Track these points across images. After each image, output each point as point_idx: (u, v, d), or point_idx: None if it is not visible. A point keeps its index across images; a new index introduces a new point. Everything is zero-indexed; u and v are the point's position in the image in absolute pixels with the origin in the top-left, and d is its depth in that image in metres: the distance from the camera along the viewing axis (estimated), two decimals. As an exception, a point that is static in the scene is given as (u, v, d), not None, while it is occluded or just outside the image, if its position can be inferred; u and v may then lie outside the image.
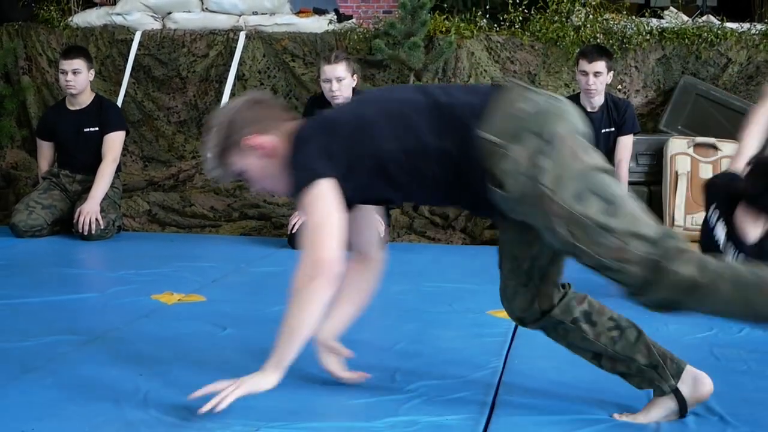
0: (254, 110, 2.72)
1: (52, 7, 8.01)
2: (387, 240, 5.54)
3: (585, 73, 5.55)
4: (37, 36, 7.77)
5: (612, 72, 5.68)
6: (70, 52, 5.96)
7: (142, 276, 4.56)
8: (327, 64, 5.49)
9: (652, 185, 6.43)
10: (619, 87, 7.16)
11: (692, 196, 6.16)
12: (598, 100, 5.63)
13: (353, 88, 5.58)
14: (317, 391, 2.86)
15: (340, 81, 5.48)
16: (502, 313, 3.84)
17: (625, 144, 5.70)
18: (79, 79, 5.91)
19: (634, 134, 5.87)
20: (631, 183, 6.40)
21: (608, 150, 5.64)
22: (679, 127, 6.84)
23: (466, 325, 3.71)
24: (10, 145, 7.55)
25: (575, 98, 5.62)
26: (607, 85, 5.71)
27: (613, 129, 5.69)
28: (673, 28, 7.21)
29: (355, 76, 5.57)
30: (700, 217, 6.03)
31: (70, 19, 7.91)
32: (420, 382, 2.94)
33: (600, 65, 5.54)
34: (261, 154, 2.65)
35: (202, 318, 3.76)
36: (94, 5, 8.21)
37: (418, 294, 4.31)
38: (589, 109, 5.60)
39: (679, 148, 6.32)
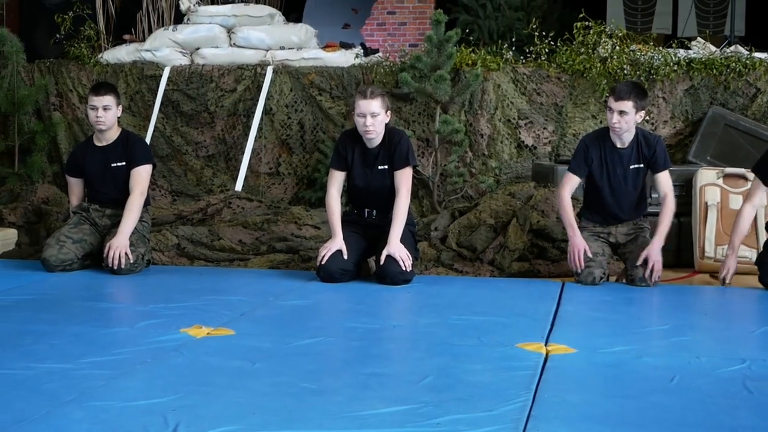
0: None
1: (82, 44, 8.11)
2: (415, 272, 5.54)
3: (611, 111, 5.45)
4: (68, 72, 7.86)
5: (643, 111, 5.51)
6: (100, 89, 6.01)
7: (172, 310, 4.57)
8: (362, 99, 5.50)
9: (681, 216, 6.38)
10: (647, 118, 7.14)
11: (722, 228, 6.12)
12: (627, 137, 5.51)
13: (386, 124, 5.60)
14: (347, 427, 2.85)
15: (375, 116, 5.49)
16: (532, 346, 3.83)
17: (665, 180, 5.57)
18: (108, 115, 5.96)
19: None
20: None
21: (636, 185, 5.59)
22: (708, 157, 6.81)
23: (495, 359, 3.69)
24: (41, 180, 7.63)
25: (605, 132, 5.58)
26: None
27: (642, 165, 5.58)
28: (701, 58, 7.20)
29: (388, 112, 5.59)
30: (730, 248, 5.99)
31: (100, 55, 8.00)
32: (448, 416, 2.93)
33: (627, 105, 5.39)
34: None
35: (231, 352, 3.76)
36: (123, 42, 8.30)
37: (447, 327, 4.29)
38: (618, 145, 5.54)
39: (708, 179, 6.28)
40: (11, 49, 7.56)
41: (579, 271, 5.41)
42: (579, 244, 5.43)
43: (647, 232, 5.64)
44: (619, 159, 5.52)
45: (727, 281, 5.44)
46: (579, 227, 5.53)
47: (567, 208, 5.53)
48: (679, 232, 6.37)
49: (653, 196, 5.90)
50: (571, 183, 5.60)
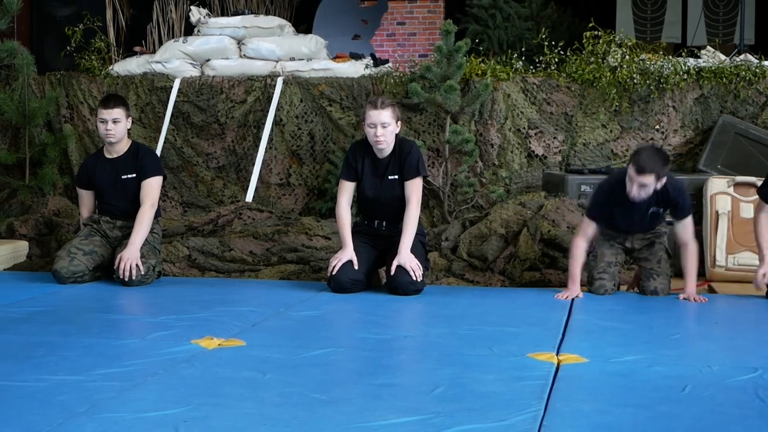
0: None
1: (93, 57, 8.15)
2: (426, 283, 5.54)
3: (631, 180, 5.14)
4: (78, 85, 7.89)
5: (664, 178, 5.17)
6: (109, 101, 6.02)
7: (183, 321, 4.58)
8: (373, 109, 5.50)
9: (692, 225, 6.37)
10: (657, 127, 7.14)
11: (733, 236, 6.11)
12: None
13: (396, 135, 5.61)
14: (358, 436, 2.85)
15: (385, 127, 5.50)
16: (543, 356, 3.83)
17: (686, 227, 5.40)
18: (118, 128, 5.98)
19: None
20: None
21: (653, 224, 5.51)
22: (719, 166, 6.81)
23: (507, 368, 3.68)
24: (52, 192, 7.65)
25: (623, 183, 5.25)
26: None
27: (661, 209, 5.41)
28: (711, 67, 7.19)
29: (399, 123, 5.59)
30: (741, 257, 5.99)
31: (110, 67, 8.04)
32: (460, 426, 2.92)
33: (649, 179, 5.10)
34: None
35: (243, 363, 3.77)
36: (134, 54, 8.33)
37: (458, 337, 4.29)
38: (637, 200, 5.27)
39: (719, 188, 6.27)
40: (22, 62, 7.59)
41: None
42: (574, 292, 5.38)
43: (664, 237, 5.58)
44: (637, 206, 5.34)
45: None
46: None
47: (577, 258, 5.39)
48: (690, 241, 6.35)
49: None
50: (588, 230, 5.42)
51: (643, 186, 5.12)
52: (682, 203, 5.34)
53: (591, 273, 5.51)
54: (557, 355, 3.89)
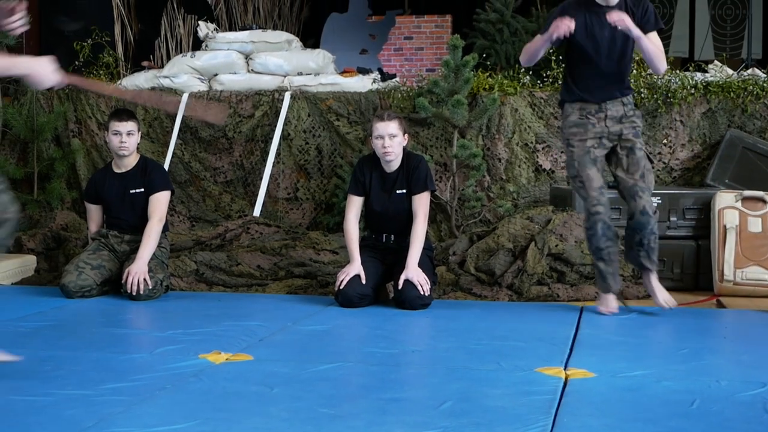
0: None
1: (101, 71, 8.18)
2: (433, 297, 5.53)
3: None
4: (86, 99, 7.91)
5: None
6: (122, 114, 6.05)
7: (190, 335, 4.58)
8: (380, 122, 5.54)
9: (700, 240, 6.37)
10: (665, 141, 7.14)
11: (741, 251, 6.10)
12: None
13: (404, 149, 5.62)
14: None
15: (393, 138, 5.52)
16: (551, 371, 3.82)
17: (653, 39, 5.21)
18: (131, 141, 6.01)
19: None
20: (678, 237, 6.38)
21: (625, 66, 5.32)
22: (727, 180, 6.80)
23: (515, 383, 3.68)
24: (60, 207, 7.67)
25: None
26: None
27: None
28: (718, 81, 7.19)
29: (406, 135, 5.61)
30: (749, 271, 5.98)
31: (119, 82, 8.06)
32: (469, 441, 2.92)
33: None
34: None
35: (250, 377, 3.76)
36: (142, 69, 8.36)
37: (466, 351, 4.29)
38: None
39: (726, 202, 6.26)
40: (31, 77, 7.61)
41: None
42: None
43: (641, 140, 5.31)
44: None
45: None
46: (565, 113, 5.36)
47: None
48: (697, 255, 6.35)
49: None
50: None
51: None
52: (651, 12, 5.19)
53: (585, 207, 5.26)
54: (565, 369, 3.88)
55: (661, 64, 5.15)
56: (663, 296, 5.29)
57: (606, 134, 5.23)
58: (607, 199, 5.22)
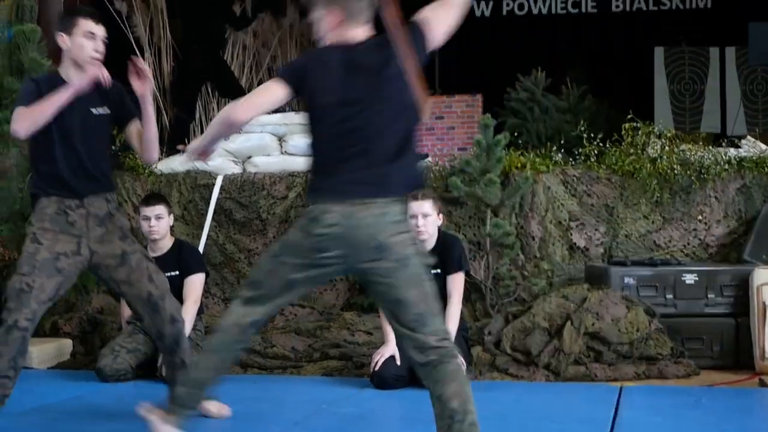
0: None
1: (137, 155, 8.26)
2: (469, 378, 5.48)
3: None
4: (122, 183, 7.98)
5: None
6: (150, 199, 6.13)
7: (225, 418, 4.56)
8: (414, 201, 5.57)
9: (739, 317, 6.29)
10: (700, 218, 7.11)
11: (781, 327, 6.02)
12: None
13: (438, 228, 5.64)
14: None
15: (426, 217, 5.54)
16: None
17: None
18: (161, 224, 6.05)
19: None
20: (717, 315, 6.30)
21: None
22: (764, 256, 6.74)
23: (555, 467, 3.63)
24: (96, 290, 7.69)
25: None
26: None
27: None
28: (752, 156, 7.17)
29: (440, 215, 5.63)
30: (791, 349, 5.89)
31: (154, 165, 8.13)
32: None
33: None
34: None
35: (287, 462, 3.74)
36: (177, 152, 8.45)
37: (504, 434, 4.24)
38: None
39: (765, 279, 6.19)
40: (68, 162, 7.71)
41: None
42: None
43: None
44: None
45: None
46: None
47: None
48: (737, 333, 6.26)
49: None
50: None
51: None
52: None
53: None
54: (606, 452, 3.83)
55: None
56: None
57: None
58: None
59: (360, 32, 3.46)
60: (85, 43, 4.42)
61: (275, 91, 3.47)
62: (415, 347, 3.36)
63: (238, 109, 3.50)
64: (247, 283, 3.68)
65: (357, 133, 3.33)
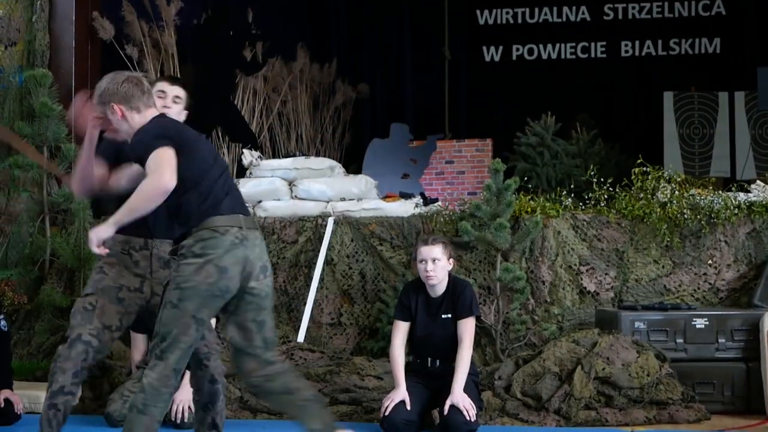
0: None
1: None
2: (480, 423, 5.45)
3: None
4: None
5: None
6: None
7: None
8: (424, 245, 5.60)
9: (749, 362, 6.26)
10: (710, 262, 7.10)
11: (793, 372, 5.99)
12: None
13: (449, 273, 5.65)
14: None
15: (435, 262, 5.56)
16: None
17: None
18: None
19: None
20: (727, 360, 6.28)
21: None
22: (774, 301, 6.72)
23: None
24: (106, 335, 7.68)
25: None
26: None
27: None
28: (762, 201, 7.18)
29: (451, 260, 5.64)
30: (803, 394, 5.85)
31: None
32: None
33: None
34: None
35: (295, 508, 3.72)
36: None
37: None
38: None
39: (775, 323, 6.18)
40: (78, 206, 7.75)
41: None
42: None
43: None
44: None
45: None
46: None
47: None
48: (748, 377, 6.23)
49: None
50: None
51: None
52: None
53: None
54: (617, 498, 3.80)
55: None
56: None
57: None
58: None
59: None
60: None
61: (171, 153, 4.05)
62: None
63: (164, 177, 3.93)
64: None
65: None
